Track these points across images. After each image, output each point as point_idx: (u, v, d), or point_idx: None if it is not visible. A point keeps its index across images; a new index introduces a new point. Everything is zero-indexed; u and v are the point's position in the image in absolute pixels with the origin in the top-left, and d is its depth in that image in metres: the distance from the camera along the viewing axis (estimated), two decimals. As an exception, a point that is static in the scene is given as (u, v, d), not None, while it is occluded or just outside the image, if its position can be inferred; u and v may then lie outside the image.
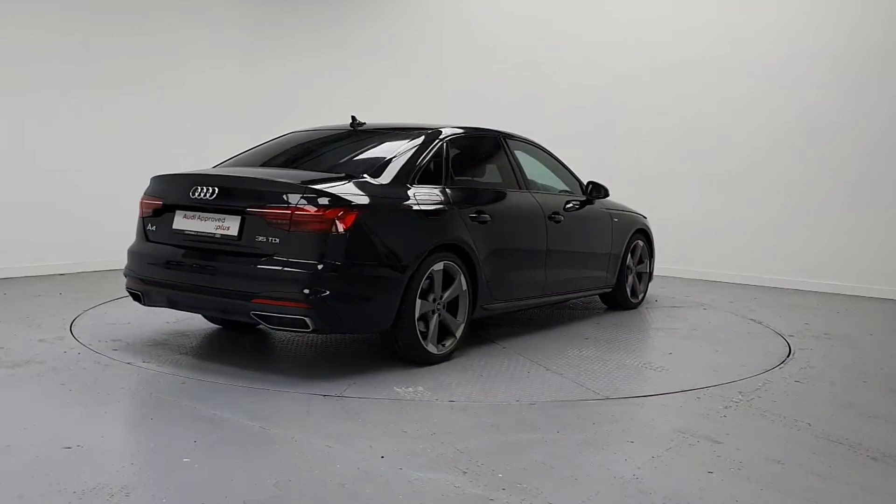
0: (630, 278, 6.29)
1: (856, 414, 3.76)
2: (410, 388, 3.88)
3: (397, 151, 4.46)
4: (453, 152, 4.77)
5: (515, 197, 5.11)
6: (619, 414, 3.62)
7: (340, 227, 3.85)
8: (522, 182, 5.25)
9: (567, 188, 5.77)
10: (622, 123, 8.62)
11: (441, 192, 4.46)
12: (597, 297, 6.44)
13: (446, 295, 4.35)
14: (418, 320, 4.16)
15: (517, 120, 8.55)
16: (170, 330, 5.05)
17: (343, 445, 3.08)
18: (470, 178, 5.05)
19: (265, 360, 4.39)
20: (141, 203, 4.48)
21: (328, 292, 3.82)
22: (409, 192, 4.27)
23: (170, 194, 4.33)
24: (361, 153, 4.70)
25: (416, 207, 4.24)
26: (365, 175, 4.21)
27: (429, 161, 4.51)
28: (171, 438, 3.11)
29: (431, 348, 4.28)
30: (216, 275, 4.02)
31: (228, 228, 4.01)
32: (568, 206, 5.55)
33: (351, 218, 3.88)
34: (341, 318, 3.97)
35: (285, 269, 3.82)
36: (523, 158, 5.47)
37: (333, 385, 3.90)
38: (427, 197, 4.35)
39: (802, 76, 7.69)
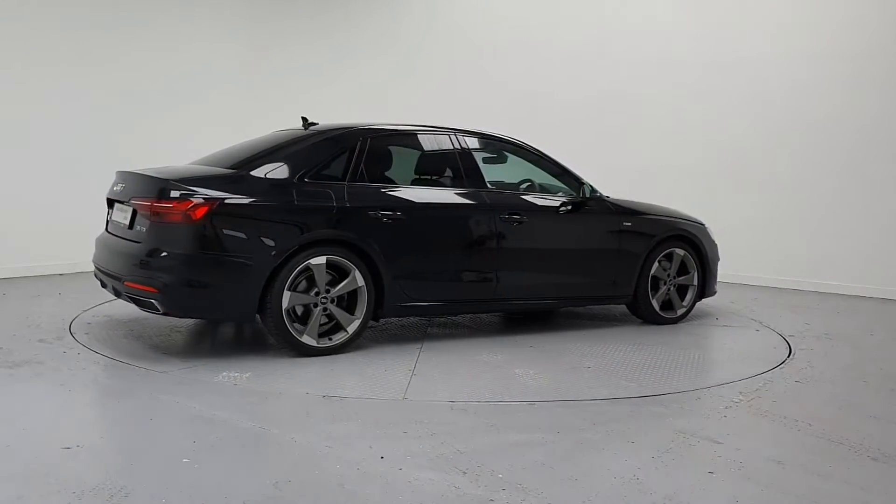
0: (662, 289, 5.67)
1: (856, 414, 3.76)
2: (237, 374, 4.05)
3: (298, 150, 4.68)
4: (373, 151, 4.83)
5: (451, 196, 4.98)
6: (619, 414, 3.62)
7: (191, 219, 4.14)
8: (475, 181, 5.07)
9: (566, 190, 5.49)
10: (620, 123, 8.60)
11: (336, 189, 4.54)
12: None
13: (336, 290, 4.44)
14: (289, 311, 4.32)
15: (518, 120, 8.57)
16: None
17: (343, 445, 3.08)
18: (388, 176, 4.95)
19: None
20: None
21: (176, 278, 4.15)
22: (286, 189, 4.43)
23: (110, 189, 4.87)
24: (280, 153, 4.69)
25: (287, 202, 4.39)
26: (246, 172, 4.47)
27: (332, 159, 4.66)
28: (171, 438, 3.11)
29: (308, 340, 4.39)
30: (115, 260, 4.51)
31: (127, 219, 4.52)
32: (547, 207, 5.28)
33: (202, 210, 4.15)
34: (190, 304, 4.29)
35: (144, 255, 4.24)
36: (500, 159, 5.46)
37: (175, 364, 4.20)
38: (310, 193, 4.46)
39: (804, 76, 7.69)
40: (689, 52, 8.23)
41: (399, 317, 5.20)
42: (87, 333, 4.88)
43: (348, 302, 4.53)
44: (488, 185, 5.16)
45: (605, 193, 5.60)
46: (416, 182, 5.08)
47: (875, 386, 4.30)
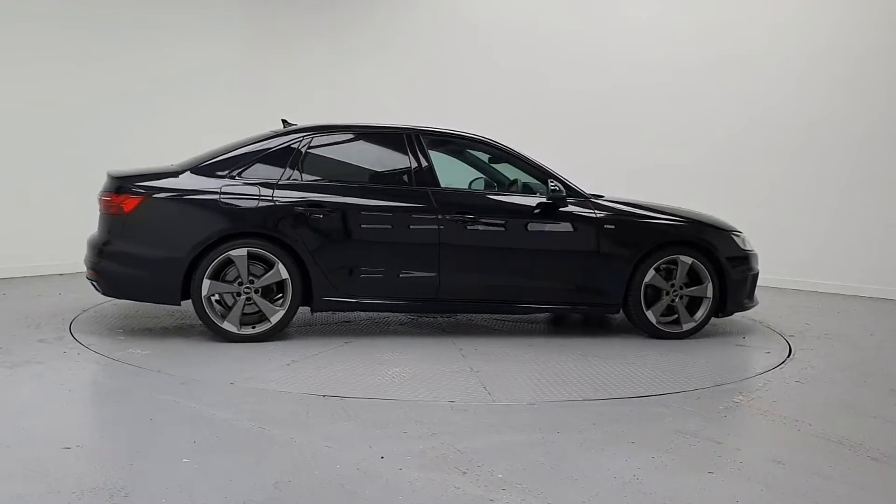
0: (664, 300, 5.14)
1: (856, 414, 3.76)
2: (137, 351, 4.48)
3: (244, 149, 4.93)
4: (316, 149, 5.01)
5: (388, 194, 4.98)
6: (619, 414, 3.62)
7: (123, 211, 4.67)
8: (426, 180, 4.99)
9: (544, 190, 5.12)
10: (618, 123, 8.59)
11: (266, 186, 4.77)
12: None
13: (260, 281, 4.71)
14: (209, 298, 4.70)
15: (518, 119, 8.57)
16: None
17: (343, 445, 3.08)
18: (329, 174, 5.01)
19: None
20: None
21: (109, 263, 4.72)
22: (215, 185, 4.74)
23: None
24: (232, 152, 4.94)
25: (211, 198, 4.69)
26: (191, 169, 4.82)
27: (267, 158, 4.90)
28: (170, 438, 3.11)
29: (229, 327, 4.71)
30: (87, 251, 4.93)
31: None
32: (507, 207, 5.11)
33: (133, 203, 4.66)
34: (121, 286, 4.80)
35: (98, 243, 4.77)
36: (466, 158, 5.44)
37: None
38: (237, 189, 4.74)
39: (803, 74, 7.69)
40: (691, 50, 8.22)
41: (331, 311, 5.21)
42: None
43: (279, 294, 4.80)
44: (441, 183, 5.03)
45: (600, 192, 5.52)
46: (358, 180, 5.11)
47: (875, 386, 4.30)
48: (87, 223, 5.49)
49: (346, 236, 4.86)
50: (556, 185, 5.06)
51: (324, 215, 4.79)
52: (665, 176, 8.29)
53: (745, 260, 5.34)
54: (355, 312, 5.67)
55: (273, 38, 9.21)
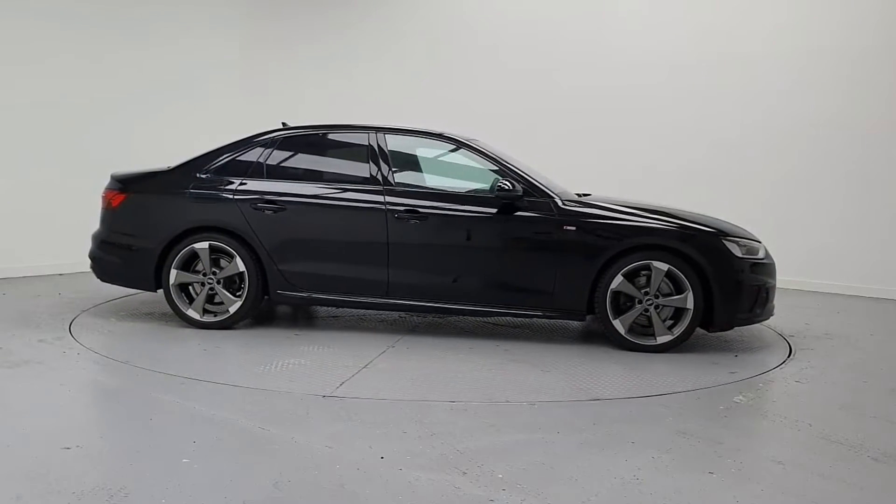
0: (636, 308, 4.73)
1: (856, 414, 3.76)
2: (100, 333, 4.93)
3: (220, 149, 5.24)
4: (283, 149, 5.24)
5: (338, 192, 5.00)
6: (619, 414, 3.62)
7: (112, 206, 5.23)
8: (380, 177, 4.96)
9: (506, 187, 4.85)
10: (618, 122, 8.58)
11: (229, 183, 5.08)
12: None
13: (221, 273, 5.03)
14: (177, 287, 5.06)
15: (516, 117, 8.57)
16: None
17: (343, 445, 3.08)
18: (293, 173, 5.19)
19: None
20: None
21: (100, 252, 5.28)
22: (185, 183, 5.13)
23: None
24: (212, 152, 5.27)
25: (180, 195, 5.10)
26: (173, 169, 5.23)
27: (237, 158, 5.18)
28: (170, 438, 3.11)
29: (193, 314, 5.07)
30: None
31: None
32: (462, 206, 4.91)
33: (119, 198, 5.21)
34: (109, 273, 5.31)
35: (94, 235, 5.35)
36: (430, 158, 5.44)
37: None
38: (203, 187, 5.11)
39: (803, 74, 7.69)
40: (691, 50, 8.22)
41: (287, 304, 5.63)
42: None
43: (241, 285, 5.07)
44: (394, 182, 4.98)
45: (596, 191, 5.52)
46: (315, 178, 5.18)
47: (875, 386, 4.30)
48: (88, 223, 5.52)
49: (296, 232, 5.01)
50: (509, 184, 4.80)
51: (275, 211, 4.98)
52: (665, 175, 8.29)
53: (743, 269, 4.74)
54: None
55: (275, 38, 9.20)
